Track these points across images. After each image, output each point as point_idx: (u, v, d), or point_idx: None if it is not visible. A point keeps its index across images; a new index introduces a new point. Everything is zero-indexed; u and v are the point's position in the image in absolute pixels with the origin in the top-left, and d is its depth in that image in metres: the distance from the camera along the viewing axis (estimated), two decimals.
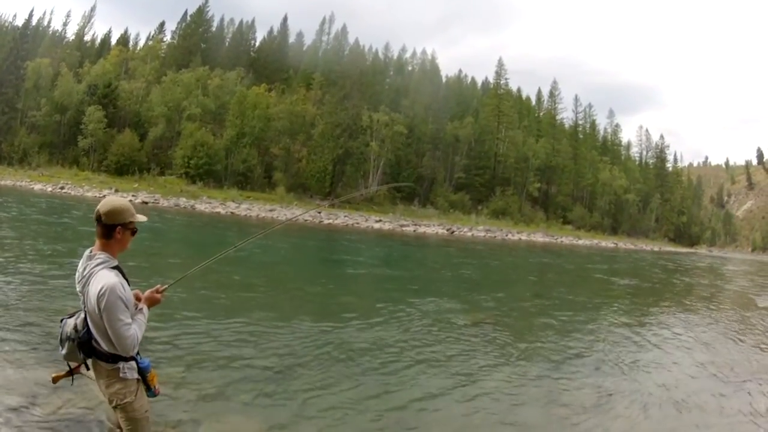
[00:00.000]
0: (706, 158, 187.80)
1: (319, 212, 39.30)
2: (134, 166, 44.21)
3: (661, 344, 7.89)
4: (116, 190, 36.16)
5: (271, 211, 38.52)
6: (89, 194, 34.54)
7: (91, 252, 2.56)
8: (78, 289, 2.57)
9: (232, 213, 35.08)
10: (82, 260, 2.60)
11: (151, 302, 2.76)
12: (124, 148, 44.78)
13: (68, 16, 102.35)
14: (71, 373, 2.72)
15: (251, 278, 9.91)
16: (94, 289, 2.41)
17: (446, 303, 9.63)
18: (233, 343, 5.70)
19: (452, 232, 41.90)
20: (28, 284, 7.31)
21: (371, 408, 4.36)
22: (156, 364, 4.43)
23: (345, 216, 40.31)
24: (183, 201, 36.63)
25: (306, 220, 36.22)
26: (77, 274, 2.58)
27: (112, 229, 2.53)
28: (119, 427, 2.84)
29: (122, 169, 44.01)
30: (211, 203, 37.55)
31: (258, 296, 8.68)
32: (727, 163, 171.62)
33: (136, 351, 2.58)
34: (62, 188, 35.86)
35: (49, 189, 35.00)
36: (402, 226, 40.78)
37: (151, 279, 5.56)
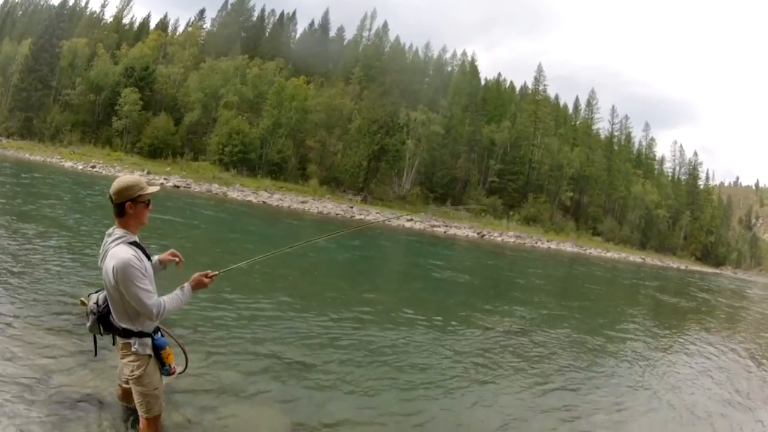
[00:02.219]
0: (737, 178, 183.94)
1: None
2: (168, 149, 44.10)
3: (681, 364, 7.78)
4: (148, 172, 35.83)
5: (303, 203, 37.95)
6: (121, 175, 33.83)
7: (110, 230, 2.68)
8: (99, 266, 2.68)
9: (264, 202, 34.52)
10: (104, 239, 2.70)
11: (198, 284, 2.79)
12: (159, 132, 44.71)
13: None
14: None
15: (280, 269, 9.64)
16: (109, 264, 2.53)
17: (473, 307, 9.53)
18: (253, 332, 5.60)
19: (482, 236, 41.10)
20: (78, 263, 7.26)
21: (388, 411, 4.27)
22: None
23: (377, 213, 39.70)
24: (215, 187, 36.10)
25: (337, 214, 35.83)
26: (100, 252, 2.70)
27: (122, 207, 2.62)
28: (125, 398, 3.13)
29: (155, 152, 43.89)
30: (243, 191, 37.02)
31: (285, 288, 8.34)
32: (757, 185, 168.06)
33: (158, 319, 2.68)
34: (93, 167, 35.38)
35: (80, 167, 34.62)
36: (433, 226, 40.10)
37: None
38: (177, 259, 2.99)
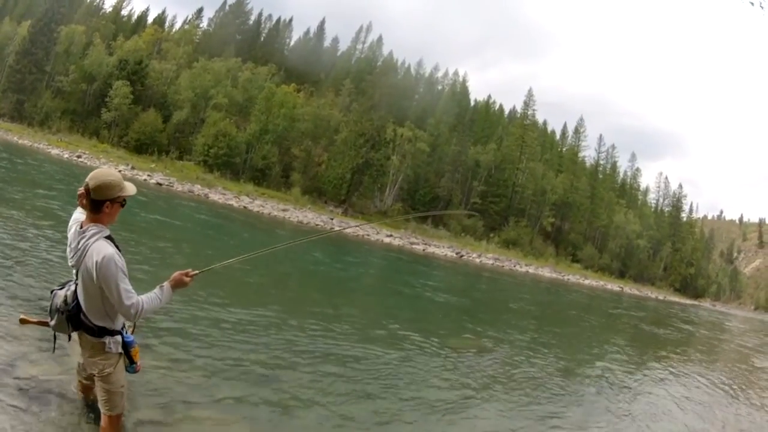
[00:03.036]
0: (721, 212, 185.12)
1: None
2: (154, 146, 44.19)
3: (660, 394, 7.84)
4: (132, 167, 35.91)
5: (284, 210, 38.19)
6: (105, 167, 33.77)
7: (81, 226, 2.53)
8: (71, 263, 2.56)
9: (244, 207, 34.73)
10: (72, 234, 2.58)
11: (178, 283, 2.69)
12: (147, 127, 44.82)
13: None
14: (45, 324, 2.77)
15: (259, 278, 9.76)
16: (91, 260, 2.42)
17: (451, 327, 9.56)
18: (224, 339, 5.60)
19: (461, 256, 41.50)
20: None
21: (351, 427, 4.28)
22: (146, 348, 4.10)
23: (356, 226, 39.93)
24: (198, 188, 36.18)
25: (317, 225, 36.15)
26: (68, 248, 2.58)
27: (100, 204, 2.51)
28: (85, 394, 3.13)
29: (141, 148, 43.96)
30: (225, 194, 37.17)
31: (261, 298, 8.41)
32: (741, 219, 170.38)
33: (135, 320, 2.63)
34: (79, 157, 35.36)
35: (66, 156, 34.69)
36: (412, 243, 40.45)
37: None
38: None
